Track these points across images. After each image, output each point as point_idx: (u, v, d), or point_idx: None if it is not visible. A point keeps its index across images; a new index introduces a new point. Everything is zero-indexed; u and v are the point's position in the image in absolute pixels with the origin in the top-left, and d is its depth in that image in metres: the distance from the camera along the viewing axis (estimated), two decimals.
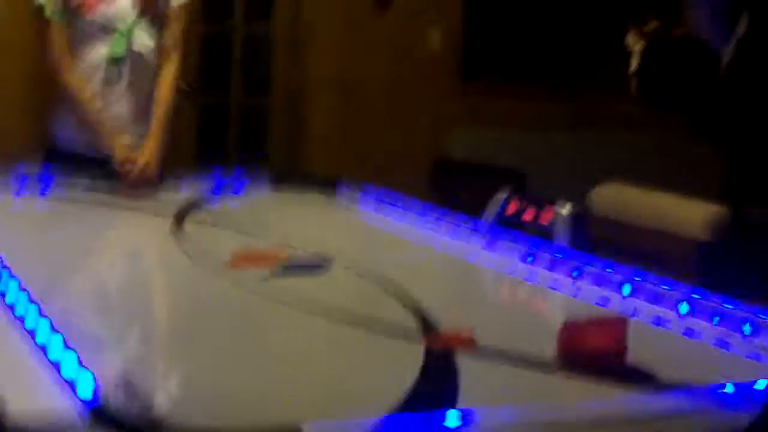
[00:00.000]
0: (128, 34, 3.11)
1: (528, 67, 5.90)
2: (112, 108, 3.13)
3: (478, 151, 5.45)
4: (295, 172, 4.96)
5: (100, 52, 3.12)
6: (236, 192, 3.06)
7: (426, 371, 1.44)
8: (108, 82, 3.13)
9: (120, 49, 3.11)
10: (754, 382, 1.41)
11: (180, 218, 2.56)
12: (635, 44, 1.18)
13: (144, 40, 3.15)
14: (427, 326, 1.73)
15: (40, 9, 3.06)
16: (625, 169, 3.82)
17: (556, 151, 5.52)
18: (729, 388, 1.41)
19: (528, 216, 2.40)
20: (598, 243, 3.65)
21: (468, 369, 1.46)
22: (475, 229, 2.48)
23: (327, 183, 3.11)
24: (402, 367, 1.45)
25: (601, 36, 5.53)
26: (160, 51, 3.19)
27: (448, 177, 5.38)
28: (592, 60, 5.91)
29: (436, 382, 1.41)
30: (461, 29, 5.59)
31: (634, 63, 1.17)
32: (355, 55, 5.32)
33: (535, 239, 2.31)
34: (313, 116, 5.27)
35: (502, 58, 5.84)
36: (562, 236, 2.27)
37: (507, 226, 2.44)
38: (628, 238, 3.47)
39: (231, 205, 2.95)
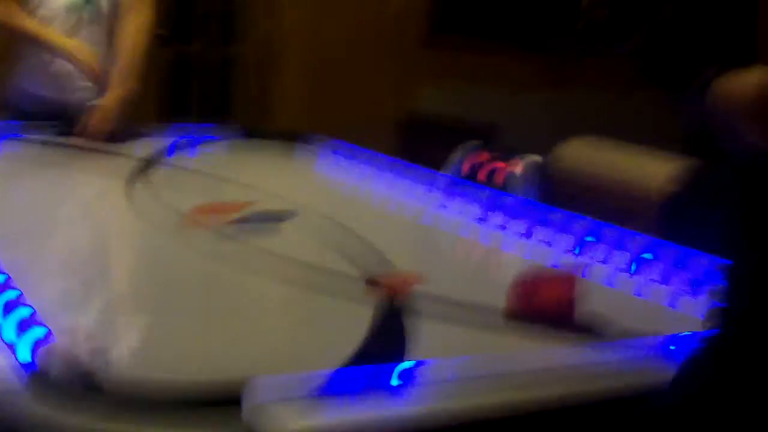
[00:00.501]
0: None
1: (496, 24, 5.88)
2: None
3: (447, 107, 5.45)
4: (261, 127, 4.96)
5: (58, 1, 3.09)
6: (197, 146, 3.05)
7: (375, 327, 1.46)
8: (65, 33, 3.09)
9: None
10: (694, 334, 1.45)
11: (136, 174, 2.54)
12: None
13: None
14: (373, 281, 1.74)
15: None
16: (596, 125, 3.83)
17: (526, 107, 5.53)
18: (668, 341, 1.45)
19: (485, 171, 2.41)
20: (561, 198, 3.68)
21: (418, 323, 1.48)
22: (436, 184, 2.49)
23: (292, 137, 3.12)
24: (353, 324, 1.46)
25: None
26: (124, 3, 3.16)
27: (418, 133, 5.38)
28: (562, 16, 5.90)
29: (386, 338, 1.42)
30: None
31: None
32: (323, 11, 5.29)
33: (494, 193, 2.32)
34: (281, 71, 5.25)
35: (470, 13, 5.81)
36: (518, 190, 2.28)
37: (466, 180, 2.45)
38: (592, 194, 3.49)
39: (191, 159, 2.94)
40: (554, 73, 6.01)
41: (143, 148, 2.84)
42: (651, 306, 1.77)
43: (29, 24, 3.05)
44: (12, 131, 2.91)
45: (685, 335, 1.47)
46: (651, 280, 1.86)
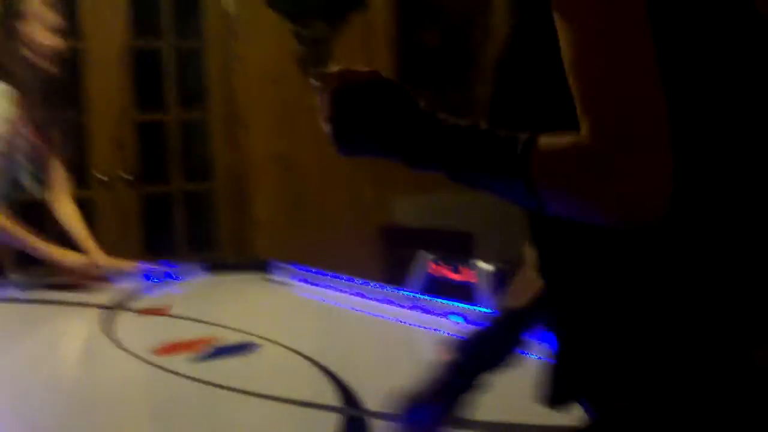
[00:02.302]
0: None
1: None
2: None
3: (423, 216, 5.49)
4: (239, 256, 4.98)
5: None
6: (173, 280, 3.08)
7: None
8: None
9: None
10: None
11: (113, 308, 2.57)
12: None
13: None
14: (347, 396, 1.74)
15: None
16: None
17: (502, 211, 5.55)
18: None
19: (451, 276, 2.43)
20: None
21: None
22: (405, 294, 2.51)
23: (262, 264, 3.14)
24: None
25: None
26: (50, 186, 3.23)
27: (395, 243, 5.41)
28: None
29: None
30: None
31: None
32: (292, 132, 5.37)
33: (461, 298, 2.34)
34: (255, 198, 5.29)
35: None
36: (485, 294, 2.29)
37: (433, 288, 2.47)
38: None
39: (167, 293, 2.96)
40: None
41: (107, 294, 2.86)
42: None
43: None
44: None
45: None
46: None
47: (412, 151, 1.12)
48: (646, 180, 0.96)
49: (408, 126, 1.12)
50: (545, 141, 1.02)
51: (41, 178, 3.18)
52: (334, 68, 1.17)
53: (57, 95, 3.16)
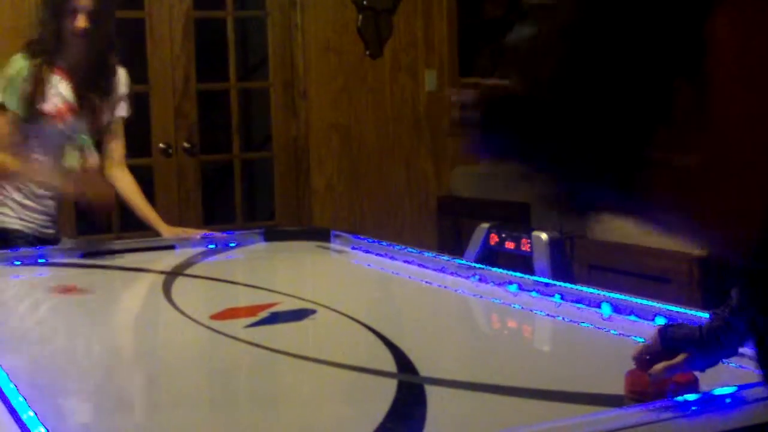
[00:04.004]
0: (81, 149, 3.20)
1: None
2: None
3: (480, 187, 5.47)
4: (297, 224, 5.01)
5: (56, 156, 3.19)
6: (232, 247, 3.11)
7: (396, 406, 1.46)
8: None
9: (74, 162, 3.19)
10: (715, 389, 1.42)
11: (173, 274, 2.61)
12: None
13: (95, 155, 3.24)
14: (403, 363, 1.75)
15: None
16: None
17: None
18: (692, 397, 1.42)
19: (509, 246, 2.42)
20: (594, 265, 3.65)
21: (438, 401, 1.47)
22: (462, 264, 2.51)
23: (321, 233, 3.16)
24: (375, 405, 1.48)
25: None
26: (110, 158, 3.29)
27: (452, 214, 5.41)
28: None
29: (406, 417, 1.43)
30: (456, 70, 5.64)
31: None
32: (351, 103, 5.37)
33: (518, 268, 2.34)
34: (313, 167, 5.32)
35: None
36: (542, 263, 2.28)
37: (490, 257, 2.47)
38: (626, 259, 3.47)
39: (225, 260, 2.99)
40: None
41: (168, 260, 2.90)
42: None
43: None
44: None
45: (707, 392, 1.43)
46: None
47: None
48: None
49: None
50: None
51: (97, 150, 3.24)
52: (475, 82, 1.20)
53: (104, 75, 3.21)
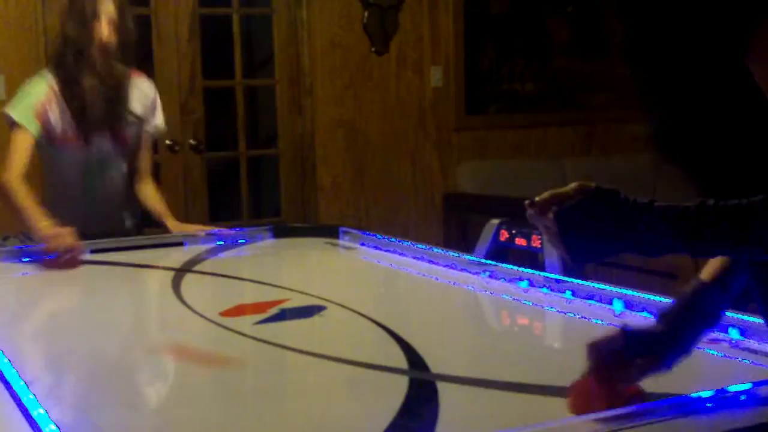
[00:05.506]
0: (103, 170, 3.21)
1: (531, 97, 5.91)
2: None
3: (486, 183, 5.46)
4: (304, 221, 5.01)
5: (75, 176, 3.19)
6: (240, 244, 3.10)
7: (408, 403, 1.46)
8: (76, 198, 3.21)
9: (93, 183, 3.21)
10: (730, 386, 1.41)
11: (183, 271, 2.62)
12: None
13: (117, 172, 3.25)
14: (413, 360, 1.74)
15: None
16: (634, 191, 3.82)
17: (566, 177, 5.52)
18: (707, 394, 1.41)
19: (519, 242, 2.42)
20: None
21: (450, 398, 1.47)
22: (472, 260, 2.51)
23: (328, 229, 3.16)
24: (387, 402, 1.48)
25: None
26: (137, 172, 3.32)
27: (459, 210, 5.40)
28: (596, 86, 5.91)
29: (418, 414, 1.43)
30: (462, 66, 5.63)
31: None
32: (357, 99, 5.37)
33: (527, 264, 2.34)
34: (319, 164, 5.31)
35: (504, 90, 5.85)
36: (551, 259, 2.27)
37: (499, 253, 2.47)
38: (632, 254, 3.45)
39: (234, 256, 2.99)
40: (593, 140, 6.02)
41: (177, 257, 2.90)
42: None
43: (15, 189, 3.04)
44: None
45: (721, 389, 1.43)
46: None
47: (646, 245, 1.23)
48: None
49: (636, 225, 1.23)
50: None
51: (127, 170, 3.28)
52: (542, 194, 1.26)
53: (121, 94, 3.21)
